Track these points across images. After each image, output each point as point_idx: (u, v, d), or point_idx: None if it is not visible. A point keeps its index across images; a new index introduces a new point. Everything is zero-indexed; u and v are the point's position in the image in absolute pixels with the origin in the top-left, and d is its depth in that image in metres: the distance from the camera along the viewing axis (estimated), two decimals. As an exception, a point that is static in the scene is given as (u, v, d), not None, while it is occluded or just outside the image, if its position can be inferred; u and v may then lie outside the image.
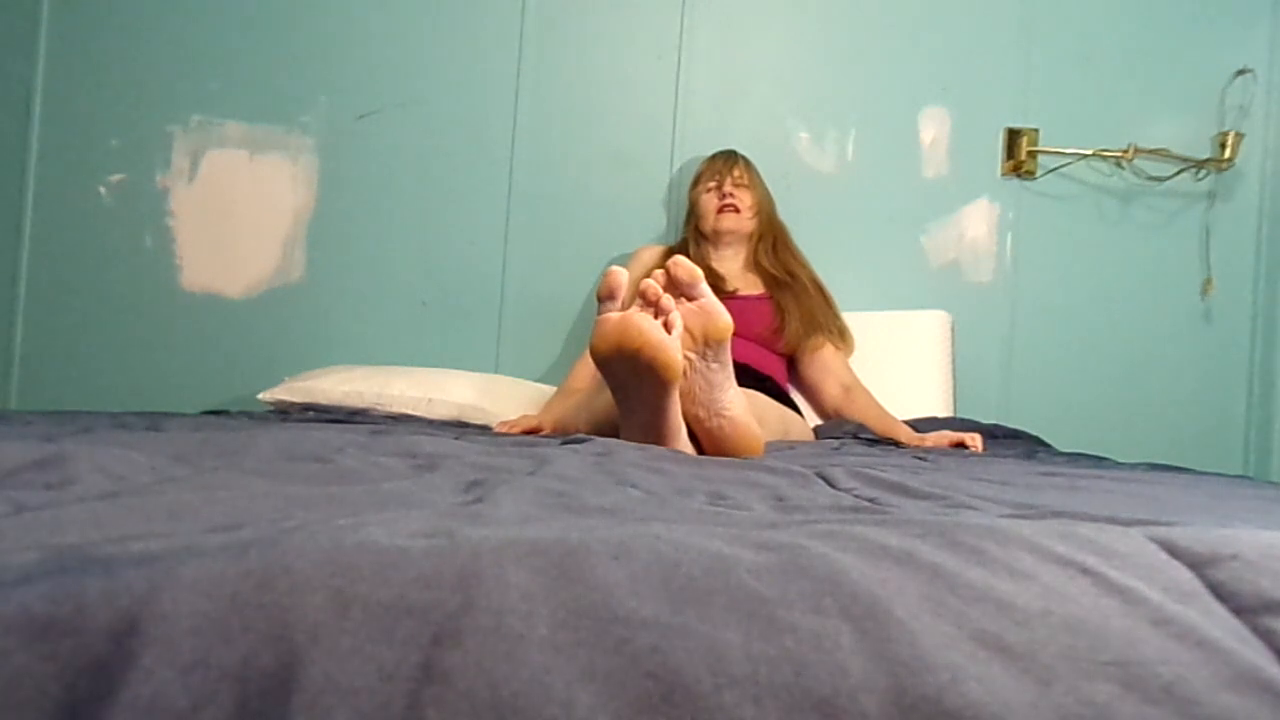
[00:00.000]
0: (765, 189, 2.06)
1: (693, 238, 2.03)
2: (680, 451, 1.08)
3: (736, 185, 2.00)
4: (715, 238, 2.01)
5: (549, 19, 2.26)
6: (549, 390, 1.99)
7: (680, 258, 1.12)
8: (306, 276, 2.24)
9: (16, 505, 0.47)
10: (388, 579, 0.34)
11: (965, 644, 0.35)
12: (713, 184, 2.01)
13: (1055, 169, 2.26)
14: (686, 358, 1.10)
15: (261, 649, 0.32)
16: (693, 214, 2.06)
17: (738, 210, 1.98)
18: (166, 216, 2.23)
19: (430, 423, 1.67)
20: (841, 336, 1.96)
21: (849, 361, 1.96)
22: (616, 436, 1.15)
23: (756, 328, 1.87)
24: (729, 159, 2.04)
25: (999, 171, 2.28)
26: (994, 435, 1.79)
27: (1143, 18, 2.28)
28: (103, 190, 2.23)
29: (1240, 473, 2.19)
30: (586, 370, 1.84)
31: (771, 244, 2.02)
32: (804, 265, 2.02)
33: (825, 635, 0.34)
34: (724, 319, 1.11)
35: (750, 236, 2.02)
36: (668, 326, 1.04)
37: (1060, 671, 0.34)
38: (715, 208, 1.99)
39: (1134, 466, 1.39)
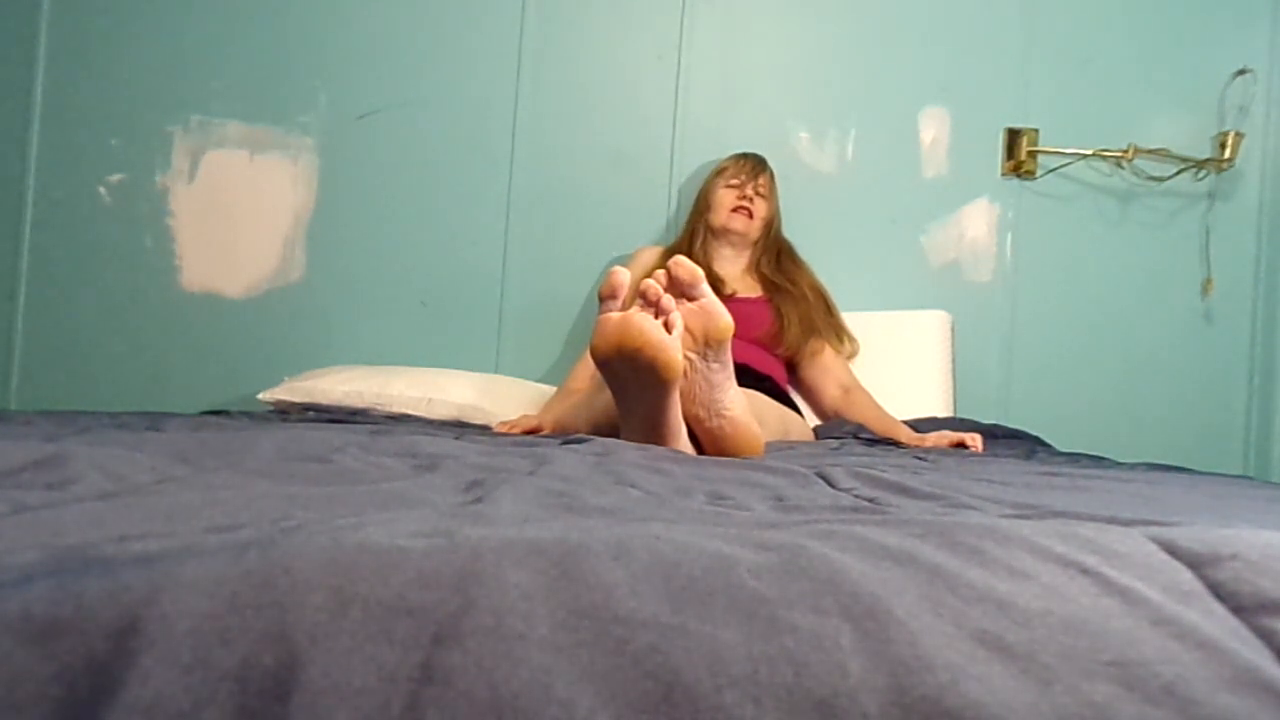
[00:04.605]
0: (778, 205, 2.07)
1: (699, 229, 2.03)
2: (680, 451, 1.08)
3: (757, 192, 2.01)
4: (722, 235, 2.01)
5: (549, 19, 2.26)
6: (549, 390, 1.99)
7: (681, 258, 1.12)
8: (306, 276, 2.24)
9: (16, 505, 0.47)
10: (387, 579, 0.34)
11: (965, 644, 0.35)
12: (735, 182, 2.01)
13: (1055, 169, 2.26)
14: (687, 358, 1.10)
15: (261, 649, 0.32)
16: (703, 205, 2.05)
17: (751, 216, 1.99)
18: (166, 216, 2.23)
19: (430, 423, 1.66)
20: (841, 339, 1.97)
21: (849, 364, 1.97)
22: (616, 436, 1.15)
23: (756, 330, 1.87)
24: (759, 164, 2.05)
25: (999, 171, 2.28)
26: (994, 435, 1.79)
27: (1142, 18, 2.28)
28: (103, 190, 2.23)
29: (1240, 473, 2.19)
30: (586, 370, 1.84)
31: (775, 254, 2.02)
32: (806, 273, 2.03)
33: (825, 635, 0.34)
34: (725, 319, 1.12)
35: (754, 244, 2.02)
36: (668, 326, 1.04)
37: (1060, 671, 0.34)
38: (731, 206, 1.99)
39: (1134, 466, 1.39)
